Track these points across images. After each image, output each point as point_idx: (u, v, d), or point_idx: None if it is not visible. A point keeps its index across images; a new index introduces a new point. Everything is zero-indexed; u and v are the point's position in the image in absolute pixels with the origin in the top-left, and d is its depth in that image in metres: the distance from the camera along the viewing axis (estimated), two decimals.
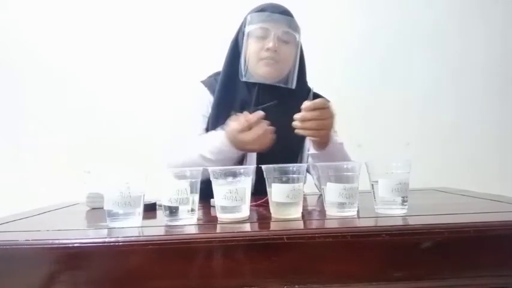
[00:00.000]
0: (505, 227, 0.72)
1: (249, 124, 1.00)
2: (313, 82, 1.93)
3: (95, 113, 1.99)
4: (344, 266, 0.69)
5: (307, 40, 1.88)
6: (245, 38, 1.19)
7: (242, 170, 0.80)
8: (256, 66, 1.18)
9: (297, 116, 1.00)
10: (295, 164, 0.82)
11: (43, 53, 1.99)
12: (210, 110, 1.25)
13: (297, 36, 1.20)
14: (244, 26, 1.22)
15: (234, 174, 0.80)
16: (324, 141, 1.09)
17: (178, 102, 1.93)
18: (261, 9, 1.20)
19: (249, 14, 1.24)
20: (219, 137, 1.08)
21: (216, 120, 1.19)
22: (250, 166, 0.82)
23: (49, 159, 1.95)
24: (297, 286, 0.67)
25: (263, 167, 0.84)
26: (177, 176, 0.79)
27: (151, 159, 1.79)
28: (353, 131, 2.03)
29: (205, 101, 1.27)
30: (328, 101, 1.02)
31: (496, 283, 0.71)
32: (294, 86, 1.20)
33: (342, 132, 2.00)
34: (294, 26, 1.20)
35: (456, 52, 2.14)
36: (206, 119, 1.25)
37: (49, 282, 0.66)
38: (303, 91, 1.21)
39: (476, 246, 0.71)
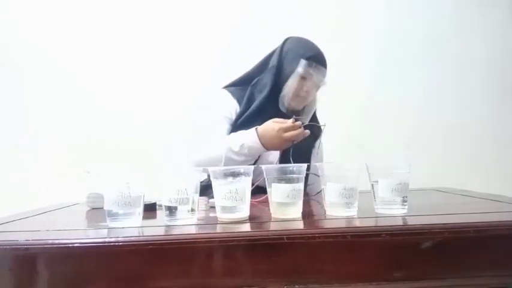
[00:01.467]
0: (505, 227, 0.72)
1: (294, 127, 1.19)
2: None
3: (95, 113, 1.99)
4: (344, 266, 0.69)
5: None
6: (293, 75, 1.37)
7: (242, 170, 0.80)
8: (292, 100, 1.39)
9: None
10: (295, 164, 0.82)
11: (43, 53, 1.99)
12: (232, 111, 1.40)
13: (323, 83, 1.42)
14: (292, 61, 1.39)
15: (234, 174, 0.80)
16: None
17: (176, 103, 1.94)
18: (313, 57, 1.37)
19: (294, 47, 1.41)
20: (249, 134, 1.24)
21: (241, 126, 1.34)
22: (250, 166, 0.82)
23: (49, 159, 1.95)
24: (297, 286, 0.67)
25: (263, 166, 0.84)
26: (178, 176, 0.80)
27: (151, 159, 1.80)
28: (353, 131, 2.04)
29: (230, 105, 1.42)
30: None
31: (496, 283, 0.71)
32: (306, 122, 1.37)
33: (342, 132, 2.01)
34: (325, 75, 1.41)
35: (456, 52, 2.14)
36: (228, 120, 1.40)
37: (49, 282, 0.66)
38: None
39: (476, 246, 0.71)
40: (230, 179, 0.79)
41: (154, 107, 2.00)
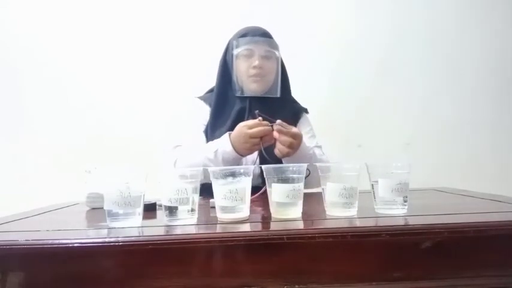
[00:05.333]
0: (505, 227, 0.72)
1: (259, 123, 1.15)
2: (314, 82, 1.93)
3: (95, 113, 1.99)
4: (344, 266, 0.69)
5: (308, 40, 1.88)
6: (234, 59, 1.37)
7: (242, 170, 0.80)
8: (247, 82, 1.36)
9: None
10: (295, 164, 0.82)
11: (43, 53, 1.99)
12: (207, 118, 1.40)
13: (277, 53, 1.39)
14: (232, 49, 1.39)
15: (234, 174, 0.80)
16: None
17: (176, 103, 1.93)
18: (244, 34, 1.38)
19: (233, 39, 1.40)
20: (222, 140, 1.21)
21: (214, 126, 1.36)
22: (250, 166, 0.83)
23: (49, 159, 1.95)
24: (297, 286, 0.67)
25: (263, 166, 0.84)
26: (178, 177, 0.80)
27: (151, 159, 1.79)
28: (353, 131, 2.04)
29: (203, 111, 1.43)
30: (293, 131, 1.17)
31: (496, 283, 0.71)
32: (278, 95, 1.38)
33: (341, 132, 2.01)
34: (273, 45, 1.38)
35: (456, 52, 2.14)
36: (204, 126, 1.40)
37: (49, 282, 0.66)
38: (287, 98, 1.43)
39: (476, 246, 0.71)
40: (230, 179, 0.79)
41: (154, 106, 2.00)
